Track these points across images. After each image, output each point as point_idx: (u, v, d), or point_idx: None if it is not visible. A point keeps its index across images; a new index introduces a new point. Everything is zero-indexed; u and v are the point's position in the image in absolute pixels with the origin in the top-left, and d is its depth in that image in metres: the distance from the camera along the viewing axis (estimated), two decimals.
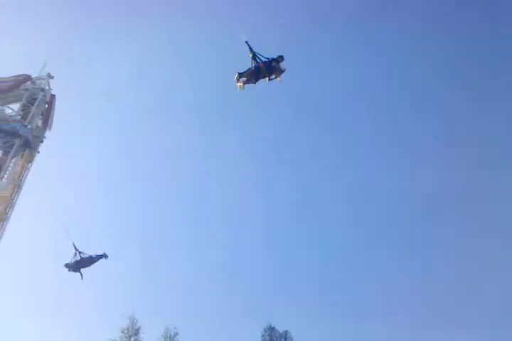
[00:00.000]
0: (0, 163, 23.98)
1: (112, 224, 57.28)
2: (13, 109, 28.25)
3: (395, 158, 61.07)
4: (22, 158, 25.56)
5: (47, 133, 29.71)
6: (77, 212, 48.65)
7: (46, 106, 29.73)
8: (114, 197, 57.35)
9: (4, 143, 24.45)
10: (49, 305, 39.69)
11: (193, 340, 35.85)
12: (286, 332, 36.07)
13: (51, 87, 30.30)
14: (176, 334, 34.27)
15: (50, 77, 30.24)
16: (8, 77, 28.34)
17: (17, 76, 28.73)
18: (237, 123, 62.67)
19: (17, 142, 24.49)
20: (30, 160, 26.77)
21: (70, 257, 23.46)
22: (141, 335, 33.15)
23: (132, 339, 32.91)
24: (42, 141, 29.21)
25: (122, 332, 32.77)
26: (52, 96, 30.08)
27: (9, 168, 25.26)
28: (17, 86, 28.21)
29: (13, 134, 24.74)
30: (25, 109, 28.50)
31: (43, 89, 29.65)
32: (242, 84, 16.66)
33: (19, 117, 27.96)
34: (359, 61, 61.21)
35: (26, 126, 25.77)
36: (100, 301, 41.48)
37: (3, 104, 28.14)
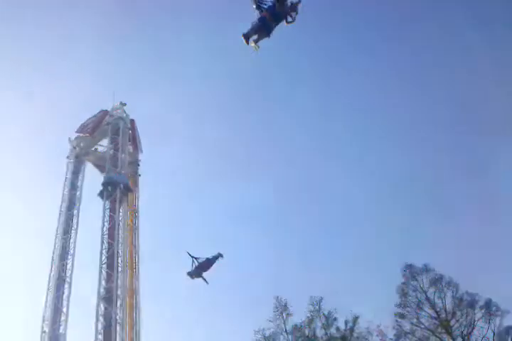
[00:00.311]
0: (111, 208, 26.01)
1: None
2: (103, 145, 30.63)
3: None
4: (128, 198, 27.49)
5: (140, 156, 31.99)
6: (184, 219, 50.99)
7: (130, 131, 31.68)
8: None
9: (107, 192, 26.43)
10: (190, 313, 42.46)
11: (336, 296, 36.68)
12: (425, 265, 36.33)
13: (127, 112, 32.22)
14: (321, 298, 36.15)
15: (123, 104, 31.95)
16: (89, 119, 30.71)
17: (95, 115, 30.98)
18: None
19: (118, 190, 26.27)
20: (137, 196, 29.06)
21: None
22: (290, 308, 35.43)
23: (284, 314, 35.38)
24: (139, 165, 31.36)
25: (273, 311, 35.26)
26: (132, 121, 31.80)
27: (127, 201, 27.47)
28: (98, 125, 30.18)
29: (112, 184, 26.55)
30: (113, 141, 30.39)
31: (121, 118, 31.32)
32: (254, 44, 14.33)
33: (112, 151, 30.07)
34: None
35: (120, 173, 27.38)
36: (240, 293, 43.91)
37: (93, 144, 30.59)
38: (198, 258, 24.83)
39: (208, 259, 25.02)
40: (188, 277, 24.63)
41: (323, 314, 35.85)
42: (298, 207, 56.24)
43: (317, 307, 35.99)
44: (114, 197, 25.66)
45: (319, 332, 35.46)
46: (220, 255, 25.27)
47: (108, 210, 25.21)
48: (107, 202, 25.51)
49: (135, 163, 31.08)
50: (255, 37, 13.99)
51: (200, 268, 24.72)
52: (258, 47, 14.03)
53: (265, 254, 52.65)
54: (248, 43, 13.96)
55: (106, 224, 24.82)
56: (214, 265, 25.13)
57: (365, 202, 56.65)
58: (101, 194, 25.82)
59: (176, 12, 54.50)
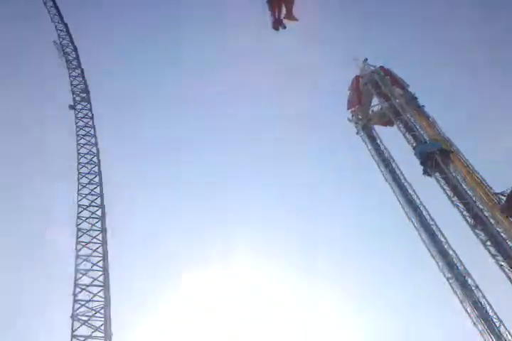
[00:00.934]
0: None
1: None
2: (375, 104, 32.82)
3: None
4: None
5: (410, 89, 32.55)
6: None
7: (387, 77, 32.53)
8: None
9: (428, 167, 27.56)
10: None
11: None
12: None
13: (371, 63, 33.40)
14: None
15: (365, 61, 33.29)
16: (349, 92, 33.32)
17: (351, 85, 33.16)
18: None
19: (436, 158, 27.48)
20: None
21: None
22: None
23: None
24: (416, 98, 31.59)
25: None
26: (382, 67, 32.82)
27: None
28: (359, 91, 32.46)
29: (427, 157, 27.64)
30: (380, 95, 31.99)
31: (373, 72, 32.77)
32: (288, 19, 12.35)
33: (385, 103, 31.63)
34: None
35: (424, 140, 28.59)
36: None
37: (368, 108, 33.12)
38: None
39: None
40: None
41: None
42: None
43: None
44: (438, 167, 27.05)
45: None
46: None
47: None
48: (437, 174, 26.93)
49: (413, 100, 31.65)
50: (283, 14, 12.22)
51: None
52: (295, 18, 12.22)
53: None
54: (284, 26, 12.24)
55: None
56: None
57: None
58: (425, 172, 27.39)
59: None
